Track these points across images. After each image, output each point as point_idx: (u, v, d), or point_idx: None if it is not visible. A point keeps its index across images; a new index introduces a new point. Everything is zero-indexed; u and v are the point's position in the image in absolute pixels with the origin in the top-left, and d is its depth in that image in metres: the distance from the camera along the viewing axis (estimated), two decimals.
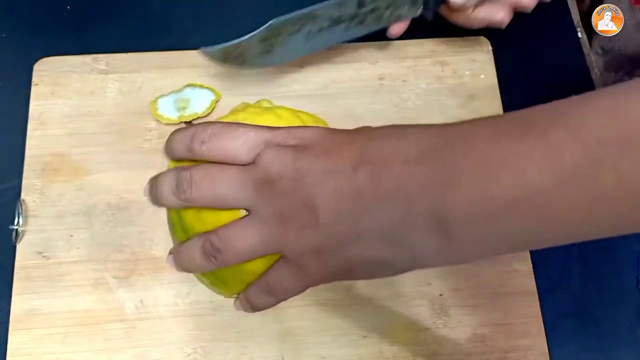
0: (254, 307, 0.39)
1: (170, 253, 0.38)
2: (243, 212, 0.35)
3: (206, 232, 0.35)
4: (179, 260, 0.37)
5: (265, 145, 0.35)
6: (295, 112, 0.40)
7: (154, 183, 0.37)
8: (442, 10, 0.53)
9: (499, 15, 0.50)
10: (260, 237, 0.34)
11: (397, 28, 0.53)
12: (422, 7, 0.52)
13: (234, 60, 0.49)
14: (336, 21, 0.50)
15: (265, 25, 0.48)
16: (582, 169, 0.27)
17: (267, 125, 0.37)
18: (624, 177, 0.26)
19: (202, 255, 0.35)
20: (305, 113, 0.41)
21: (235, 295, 0.40)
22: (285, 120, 0.38)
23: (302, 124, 0.38)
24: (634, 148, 0.26)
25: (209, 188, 0.34)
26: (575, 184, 0.27)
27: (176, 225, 0.38)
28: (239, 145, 0.35)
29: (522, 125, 0.29)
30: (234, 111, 0.41)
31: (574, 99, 0.29)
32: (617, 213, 0.28)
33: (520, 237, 0.30)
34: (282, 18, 0.49)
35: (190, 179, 0.35)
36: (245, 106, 0.41)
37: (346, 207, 0.32)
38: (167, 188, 0.36)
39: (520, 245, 0.31)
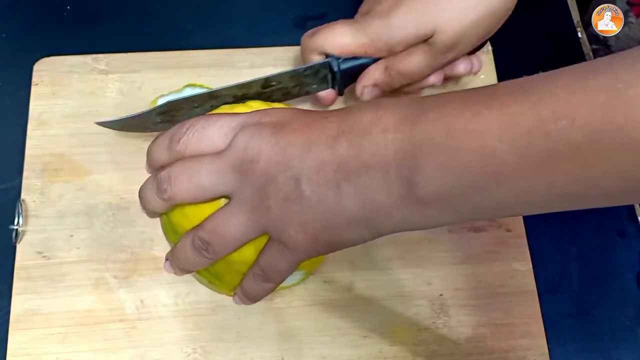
0: (252, 298, 0.39)
1: (166, 259, 0.38)
2: (223, 201, 0.35)
3: (193, 228, 0.36)
4: (175, 262, 0.37)
5: (241, 127, 0.35)
6: (267, 103, 0.40)
7: (140, 193, 0.37)
8: None
9: (431, 79, 0.49)
10: (246, 220, 0.34)
11: (328, 97, 0.50)
12: (331, 85, 0.49)
13: (134, 129, 0.48)
14: (240, 98, 0.45)
15: (162, 103, 0.46)
16: (535, 140, 0.28)
17: None
18: (573, 149, 0.28)
19: (193, 252, 0.35)
20: (279, 103, 0.41)
21: (234, 293, 0.40)
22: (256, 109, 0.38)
23: None
24: (583, 121, 0.27)
25: (187, 181, 0.35)
26: (529, 154, 0.29)
27: (167, 229, 0.39)
28: (214, 131, 0.35)
29: (489, 99, 0.30)
30: (209, 113, 0.41)
31: (541, 75, 0.30)
32: (568, 182, 0.29)
33: (483, 202, 0.31)
34: (181, 98, 0.45)
35: (168, 177, 0.35)
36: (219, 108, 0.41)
37: (329, 176, 0.32)
38: (150, 192, 0.36)
39: (484, 210, 0.32)
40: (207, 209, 0.36)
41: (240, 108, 0.39)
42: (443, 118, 0.31)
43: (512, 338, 0.48)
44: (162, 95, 0.53)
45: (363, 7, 0.46)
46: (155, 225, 0.49)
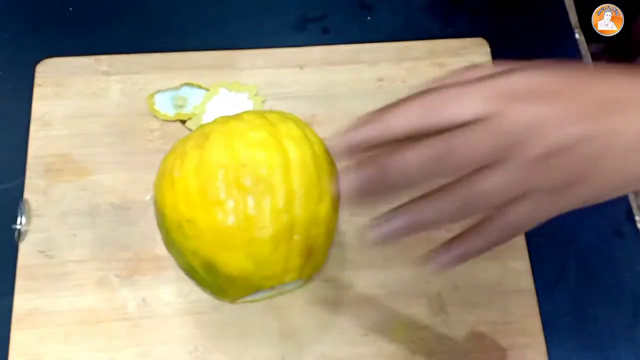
0: (468, 255, 0.37)
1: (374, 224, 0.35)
2: (230, 221, 0.36)
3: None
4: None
5: (498, 98, 0.32)
6: (259, 113, 0.40)
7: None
8: None
9: None
10: (508, 180, 0.32)
11: None
12: None
13: None
14: None
15: None
16: None
17: (235, 130, 0.37)
18: None
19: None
20: (270, 111, 0.41)
21: (239, 300, 0.40)
22: (249, 123, 0.39)
23: (267, 122, 0.39)
24: None
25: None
26: None
27: (172, 250, 0.39)
28: (472, 101, 0.32)
29: None
30: (202, 127, 0.41)
31: None
32: None
33: None
34: None
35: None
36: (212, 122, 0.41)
37: (595, 150, 0.31)
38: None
39: None
40: (209, 230, 0.36)
41: (233, 122, 0.39)
42: None
43: (510, 336, 0.48)
44: (159, 91, 0.53)
45: None
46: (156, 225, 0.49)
